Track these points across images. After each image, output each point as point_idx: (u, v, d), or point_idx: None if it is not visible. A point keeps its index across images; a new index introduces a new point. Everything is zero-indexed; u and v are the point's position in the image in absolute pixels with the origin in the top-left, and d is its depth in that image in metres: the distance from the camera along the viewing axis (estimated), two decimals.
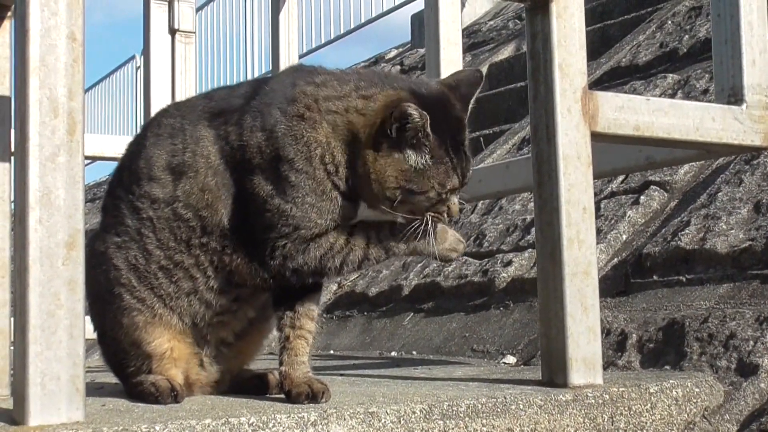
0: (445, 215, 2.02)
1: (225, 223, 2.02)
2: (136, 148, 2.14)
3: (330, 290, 5.36)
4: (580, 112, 2.38)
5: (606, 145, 2.93)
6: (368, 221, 2.06)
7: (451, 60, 3.63)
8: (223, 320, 2.14)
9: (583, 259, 2.34)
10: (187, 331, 2.11)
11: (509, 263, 4.22)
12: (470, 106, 2.08)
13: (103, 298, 2.10)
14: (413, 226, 2.01)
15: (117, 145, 4.15)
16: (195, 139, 2.05)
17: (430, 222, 2.00)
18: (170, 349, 2.08)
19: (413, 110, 1.91)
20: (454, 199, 2.02)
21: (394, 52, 11.08)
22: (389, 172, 1.94)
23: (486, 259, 4.44)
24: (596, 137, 2.44)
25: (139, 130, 2.24)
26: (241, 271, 2.05)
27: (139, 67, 14.23)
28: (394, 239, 2.04)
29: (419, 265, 4.86)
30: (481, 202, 5.03)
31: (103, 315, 2.12)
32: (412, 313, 4.56)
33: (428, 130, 1.93)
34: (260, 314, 2.20)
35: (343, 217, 2.01)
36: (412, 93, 1.98)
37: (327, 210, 1.98)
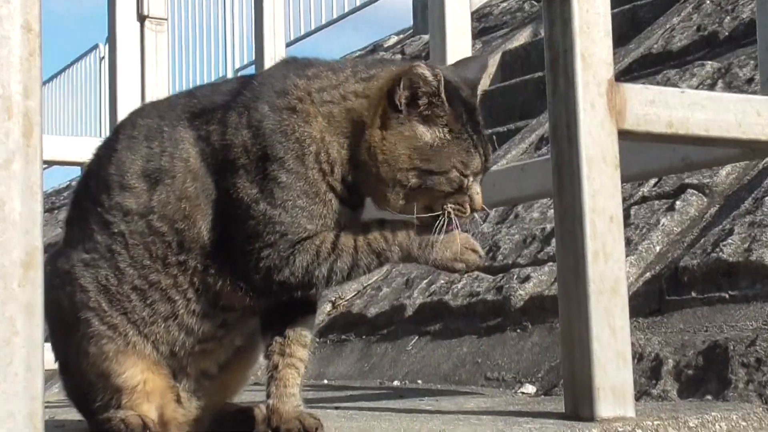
0: (467, 207, 2.00)
1: (204, 237, 2.03)
2: (107, 152, 2.15)
3: (323, 311, 5.37)
4: (606, 108, 2.38)
5: (636, 144, 2.94)
6: (355, 224, 2.06)
7: (459, 47, 3.64)
8: (206, 348, 2.15)
9: (610, 274, 2.35)
10: (162, 362, 2.12)
11: (527, 279, 4.23)
12: (478, 92, 2.09)
13: (66, 323, 2.10)
14: (433, 224, 1.98)
15: (79, 147, 4.16)
16: (173, 142, 2.07)
17: (452, 216, 1.98)
18: (143, 381, 2.09)
19: (425, 69, 1.93)
20: (477, 188, 2.00)
21: (393, 39, 11.10)
22: (400, 150, 1.95)
23: (500, 275, 4.45)
24: (624, 135, 2.45)
25: (109, 132, 2.25)
26: (228, 294, 2.06)
27: (103, 57, 14.25)
28: (386, 243, 2.02)
29: (424, 281, 4.87)
30: (494, 209, 5.04)
31: (67, 343, 2.13)
32: (416, 337, 4.57)
33: (443, 95, 1.94)
34: (248, 342, 2.21)
35: (336, 223, 2.02)
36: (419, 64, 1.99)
37: (319, 214, 2.00)
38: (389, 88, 1.96)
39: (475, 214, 2.03)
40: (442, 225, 1.98)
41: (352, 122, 1.99)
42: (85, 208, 2.14)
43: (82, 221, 2.13)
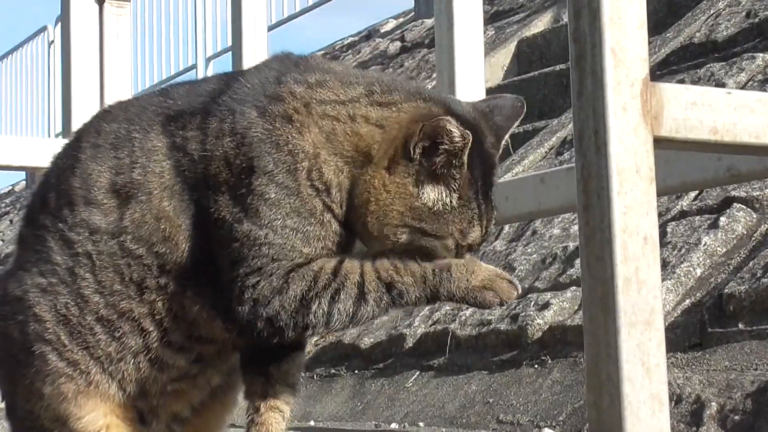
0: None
1: (189, 261, 2.03)
2: (68, 161, 2.15)
3: (310, 341, 5.39)
4: (640, 112, 2.40)
5: (673, 152, 2.96)
6: (358, 253, 2.08)
7: (469, 35, 3.65)
8: (178, 388, 2.16)
9: (644, 304, 2.36)
10: (129, 404, 2.12)
11: (546, 306, 4.25)
12: (503, 143, 2.11)
13: (15, 358, 2.11)
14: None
15: (23, 149, 4.16)
16: (146, 152, 2.07)
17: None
18: (106, 426, 2.10)
19: (454, 127, 1.94)
20: (468, 257, 2.04)
21: (391, 24, 11.14)
22: (396, 205, 1.97)
23: (515, 300, 4.46)
24: (660, 143, 2.46)
25: (63, 134, 2.25)
26: (206, 323, 2.06)
27: (53, 41, 14.26)
28: (397, 274, 2.00)
29: (427, 308, 4.88)
30: (508, 224, 5.06)
31: (15, 381, 2.13)
32: (417, 372, 4.58)
33: (465, 159, 1.96)
34: (226, 381, 2.22)
35: (338, 247, 2.03)
36: (448, 110, 2.00)
37: (317, 236, 1.99)
38: (408, 131, 1.97)
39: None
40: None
41: (356, 149, 1.99)
42: (42, 225, 2.13)
43: (37, 240, 2.13)
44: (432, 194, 1.98)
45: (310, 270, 1.99)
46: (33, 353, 2.09)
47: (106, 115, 2.20)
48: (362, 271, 2.00)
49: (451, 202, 1.98)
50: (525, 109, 2.20)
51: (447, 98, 2.10)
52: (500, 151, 2.11)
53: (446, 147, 1.95)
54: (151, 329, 2.08)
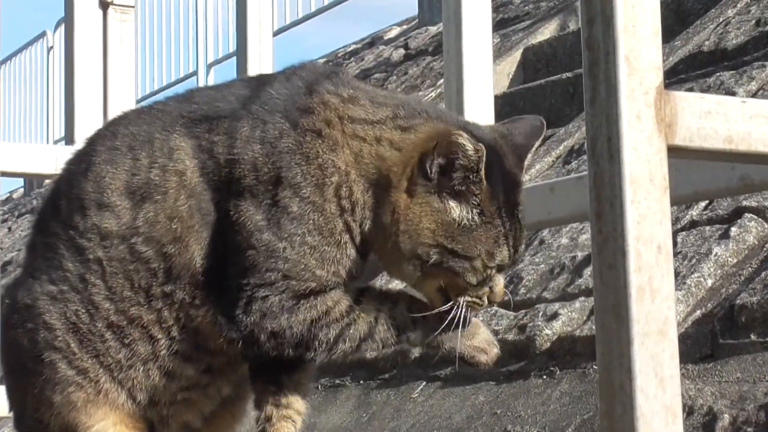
0: (485, 300, 2.05)
1: (197, 264, 2.04)
2: (80, 167, 2.17)
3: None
4: (654, 120, 2.41)
5: (685, 160, 2.97)
6: (377, 288, 2.09)
7: (479, 43, 3.66)
8: (189, 398, 2.17)
9: (657, 314, 2.37)
10: (139, 413, 2.13)
11: (554, 316, 4.26)
12: (526, 163, 2.12)
13: (25, 367, 2.12)
14: (440, 310, 2.03)
15: (21, 156, 4.16)
16: (167, 152, 2.08)
17: (463, 308, 2.03)
18: None
19: (466, 141, 1.95)
20: (499, 280, 2.05)
21: (395, 31, 11.15)
22: (426, 223, 1.98)
23: (523, 311, 4.47)
24: (674, 152, 2.47)
25: (84, 143, 2.25)
26: (210, 335, 2.07)
27: (52, 47, 14.26)
28: (411, 322, 2.05)
29: None
30: None
31: (24, 390, 2.14)
32: (424, 382, 4.59)
33: (482, 173, 1.97)
34: (236, 392, 2.23)
35: (348, 273, 2.04)
36: (462, 128, 2.01)
37: (332, 259, 2.01)
38: (423, 150, 1.99)
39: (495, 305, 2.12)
40: (455, 317, 2.02)
41: (379, 171, 2.01)
42: (52, 232, 2.15)
43: (48, 247, 2.14)
44: (456, 210, 1.99)
45: (324, 303, 2.02)
46: (42, 361, 2.10)
47: (121, 120, 2.22)
48: (377, 318, 2.05)
49: (473, 218, 1.99)
50: (545, 128, 2.21)
51: (464, 120, 2.12)
52: (523, 170, 2.11)
53: (462, 162, 1.96)
54: (159, 337, 2.09)
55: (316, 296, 2.01)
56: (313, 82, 2.08)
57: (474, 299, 2.04)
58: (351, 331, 2.04)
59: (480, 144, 1.96)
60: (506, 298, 2.15)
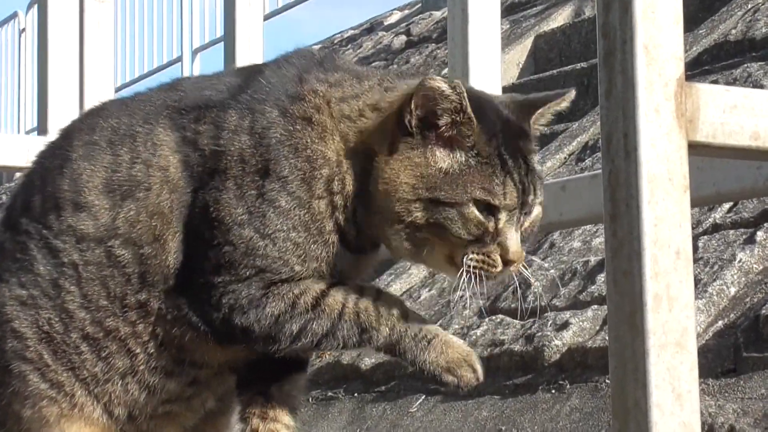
0: (497, 259, 1.99)
1: (172, 265, 2.04)
2: (55, 161, 2.16)
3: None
4: (674, 114, 2.41)
5: (707, 159, 2.97)
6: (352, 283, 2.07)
7: (486, 29, 3.66)
8: (171, 411, 2.17)
9: (675, 324, 2.37)
10: (116, 428, 2.12)
11: (565, 325, 4.26)
12: (535, 117, 2.09)
13: None
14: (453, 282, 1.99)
15: None
16: (150, 146, 2.08)
17: (470, 275, 1.96)
18: None
19: (440, 82, 1.95)
20: (511, 232, 1.99)
21: (396, 16, 11.16)
22: (404, 177, 1.97)
23: (531, 320, 4.47)
24: (696, 149, 2.47)
25: (58, 135, 2.24)
26: (193, 348, 2.07)
27: (24, 29, 14.25)
28: (376, 319, 2.02)
29: (436, 323, 4.88)
30: None
31: None
32: (423, 396, 4.59)
33: (469, 110, 1.96)
34: (220, 405, 2.22)
35: (335, 269, 2.04)
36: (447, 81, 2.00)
37: (315, 256, 2.02)
38: (400, 106, 1.99)
39: (512, 269, 2.01)
40: (463, 284, 1.97)
41: (364, 146, 2.01)
42: (23, 230, 2.14)
43: (18, 247, 2.13)
44: (446, 159, 1.97)
45: (291, 292, 2.02)
46: (11, 372, 2.09)
47: (100, 111, 2.21)
48: (342, 310, 2.02)
49: (467, 159, 1.97)
50: (572, 95, 2.18)
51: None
52: (532, 122, 2.09)
53: (444, 106, 1.96)
54: (137, 351, 2.08)
55: (284, 284, 2.02)
56: (304, 69, 2.09)
57: (482, 258, 1.97)
58: (314, 327, 2.02)
59: (456, 82, 1.95)
60: (525, 268, 2.04)
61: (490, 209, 1.97)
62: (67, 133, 2.21)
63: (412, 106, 1.96)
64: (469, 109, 1.96)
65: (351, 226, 2.02)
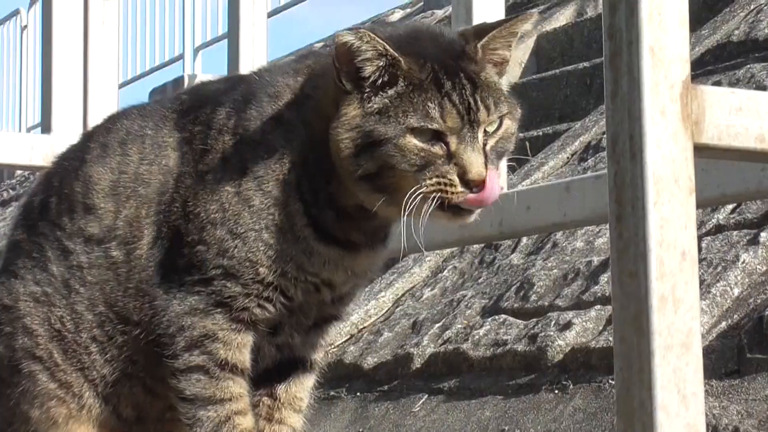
0: (454, 179, 1.96)
1: (148, 254, 2.07)
2: (73, 163, 2.17)
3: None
4: (679, 116, 2.41)
5: (712, 160, 2.97)
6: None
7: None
8: (177, 416, 2.16)
9: (681, 325, 2.37)
10: (122, 430, 2.13)
11: (568, 326, 4.25)
12: (487, 39, 2.05)
13: None
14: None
15: None
16: (156, 147, 2.10)
17: (430, 198, 1.95)
18: None
19: (348, 36, 1.96)
20: (468, 154, 1.96)
21: (398, 14, 11.15)
22: (343, 135, 1.97)
23: (534, 320, 4.47)
24: (701, 151, 2.47)
25: (80, 136, 2.26)
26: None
27: (26, 26, 14.24)
28: None
29: (436, 325, 4.89)
30: (527, 236, 5.07)
31: None
32: (426, 395, 4.59)
33: (391, 50, 1.95)
34: None
35: (322, 270, 2.06)
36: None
37: (285, 257, 2.03)
38: (331, 72, 2.01)
39: (482, 197, 1.98)
40: (426, 210, 1.95)
41: (323, 126, 2.03)
42: (39, 231, 2.15)
43: (34, 246, 2.14)
44: (381, 101, 1.97)
45: (220, 391, 2.06)
46: (20, 371, 2.09)
47: (121, 114, 2.23)
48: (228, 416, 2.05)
49: (398, 94, 1.97)
50: (535, 17, 2.15)
51: None
52: (483, 43, 2.05)
53: (362, 57, 1.97)
54: (137, 359, 2.09)
55: (228, 311, 2.04)
56: (298, 63, 2.12)
57: (437, 180, 1.95)
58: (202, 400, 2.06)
59: (361, 29, 1.96)
60: (496, 190, 1.99)
61: (437, 135, 1.96)
62: (88, 135, 2.24)
63: (336, 65, 1.98)
64: (391, 49, 1.96)
65: (334, 217, 2.04)
